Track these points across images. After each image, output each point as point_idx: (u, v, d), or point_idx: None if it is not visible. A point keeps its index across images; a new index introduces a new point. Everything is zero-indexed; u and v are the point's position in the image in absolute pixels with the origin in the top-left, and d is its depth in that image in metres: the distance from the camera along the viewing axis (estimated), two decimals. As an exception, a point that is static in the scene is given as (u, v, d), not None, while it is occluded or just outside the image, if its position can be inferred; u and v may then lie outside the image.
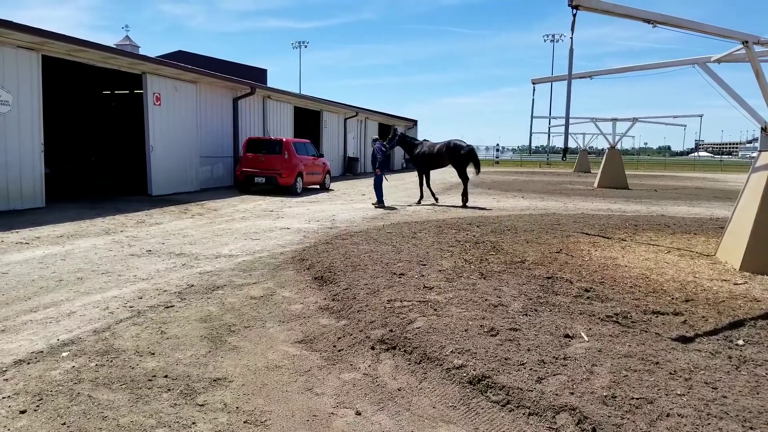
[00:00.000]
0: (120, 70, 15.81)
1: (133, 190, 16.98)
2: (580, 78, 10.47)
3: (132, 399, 3.60)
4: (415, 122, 46.06)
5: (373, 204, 15.17)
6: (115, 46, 22.48)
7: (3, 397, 3.58)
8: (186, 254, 8.17)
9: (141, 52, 32.61)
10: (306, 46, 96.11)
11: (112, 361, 4.21)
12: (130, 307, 5.58)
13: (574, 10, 6.85)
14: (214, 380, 3.95)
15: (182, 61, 24.11)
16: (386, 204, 15.37)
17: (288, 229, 10.81)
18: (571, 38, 7.50)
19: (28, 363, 4.13)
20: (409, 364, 4.30)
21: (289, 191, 18.21)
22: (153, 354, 4.37)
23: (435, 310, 5.29)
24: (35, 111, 12.75)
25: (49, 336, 4.70)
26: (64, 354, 4.31)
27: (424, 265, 7.09)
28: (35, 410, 3.42)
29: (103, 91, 24.09)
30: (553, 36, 75.85)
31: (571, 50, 7.64)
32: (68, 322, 5.06)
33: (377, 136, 17.69)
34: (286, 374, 4.13)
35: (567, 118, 7.94)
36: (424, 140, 16.97)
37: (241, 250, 8.60)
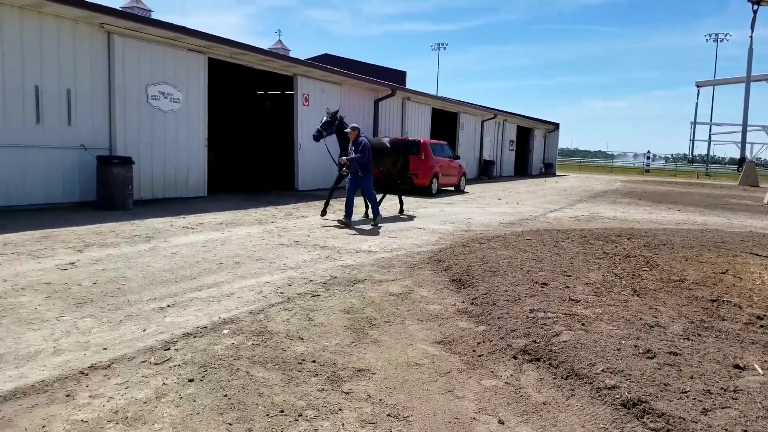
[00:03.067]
0: (274, 72, 16.93)
1: (282, 185, 18.11)
2: (760, 81, 9.40)
3: (284, 380, 3.81)
4: (556, 125, 44.35)
5: (340, 221, 10.84)
6: (269, 50, 24.14)
7: (173, 366, 3.96)
8: (329, 247, 8.52)
9: (291, 55, 34.74)
10: (445, 48, 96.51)
11: (266, 342, 4.49)
12: (281, 293, 5.92)
13: (756, 6, 6.14)
14: (358, 370, 4.06)
15: (327, 63, 25.30)
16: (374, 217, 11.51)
17: (424, 229, 10.88)
18: (751, 37, 6.77)
19: (194, 336, 4.53)
20: (555, 378, 4.10)
21: (424, 192, 18.37)
22: (302, 339, 4.59)
23: (582, 324, 5.01)
24: (201, 109, 14.07)
25: (212, 313, 5.12)
26: (225, 331, 4.68)
27: (569, 276, 6.76)
28: (201, 380, 3.74)
29: (257, 92, 25.99)
30: (717, 35, 69.18)
31: (751, 50, 6.92)
32: (228, 303, 5.49)
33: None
34: (426, 373, 4.14)
35: (744, 124, 7.16)
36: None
37: (379, 246, 8.80)
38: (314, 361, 4.15)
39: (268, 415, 3.32)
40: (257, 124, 25.90)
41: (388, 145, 13.01)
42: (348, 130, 10.94)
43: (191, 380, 3.72)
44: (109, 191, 11.01)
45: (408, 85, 34.66)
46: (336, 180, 12.11)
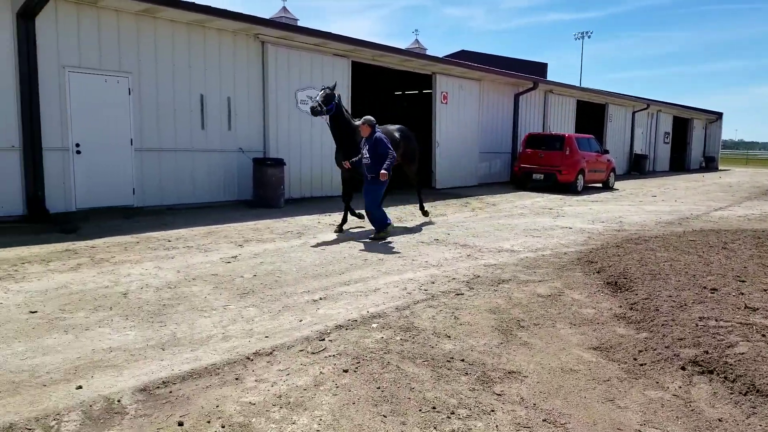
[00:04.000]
0: (412, 71, 17.12)
1: (422, 184, 18.24)
2: None
3: (434, 376, 3.80)
4: (719, 115, 40.12)
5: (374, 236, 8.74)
6: (407, 50, 24.49)
7: (328, 356, 4.12)
8: (470, 246, 8.42)
9: (427, 53, 35.00)
10: (589, 36, 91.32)
11: (414, 338, 4.52)
12: (425, 290, 5.95)
13: None
14: (509, 372, 3.94)
15: (464, 59, 25.08)
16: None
17: (570, 228, 10.37)
18: None
19: (346, 329, 4.69)
20: (732, 393, 3.67)
21: (568, 189, 17.53)
22: (449, 337, 4.56)
23: (763, 336, 4.44)
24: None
25: (360, 308, 5.27)
26: (374, 325, 4.79)
27: (743, 281, 6.04)
28: (355, 371, 3.85)
29: (394, 92, 26.49)
30: None
31: None
32: (374, 298, 5.62)
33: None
34: (582, 380, 3.91)
35: None
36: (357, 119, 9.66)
37: (522, 246, 8.52)
38: (463, 360, 4.10)
39: (420, 410, 3.33)
40: (395, 123, 26.43)
41: (398, 135, 10.43)
42: (358, 122, 8.94)
43: (346, 371, 3.85)
44: (264, 191, 11.84)
45: (549, 78, 33.34)
46: (347, 187, 9.77)
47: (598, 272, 6.76)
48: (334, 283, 6.11)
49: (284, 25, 13.55)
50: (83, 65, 9.83)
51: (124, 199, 10.50)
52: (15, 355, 3.99)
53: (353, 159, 8.80)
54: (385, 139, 8.60)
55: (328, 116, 8.92)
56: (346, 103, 14.60)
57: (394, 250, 7.96)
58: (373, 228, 8.97)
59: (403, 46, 37.93)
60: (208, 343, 4.31)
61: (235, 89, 12.20)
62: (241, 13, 11.43)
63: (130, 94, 10.48)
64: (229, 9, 11.31)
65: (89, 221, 9.27)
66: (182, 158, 11.41)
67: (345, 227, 9.55)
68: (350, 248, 7.99)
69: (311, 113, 8.76)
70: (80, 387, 3.53)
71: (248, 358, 4.03)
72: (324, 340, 4.42)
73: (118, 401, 3.36)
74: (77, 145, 9.81)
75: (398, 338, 4.50)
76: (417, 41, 40.47)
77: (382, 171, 8.35)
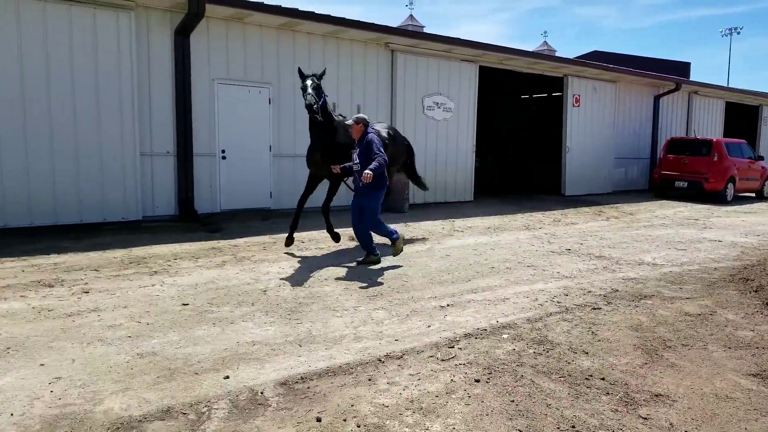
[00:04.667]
0: (542, 74, 16.57)
1: (547, 190, 17.65)
2: None
3: (572, 394, 3.61)
4: None
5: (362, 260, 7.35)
6: (536, 52, 23.78)
7: (459, 364, 4.06)
8: (605, 257, 7.95)
9: (557, 55, 33.74)
10: (738, 33, 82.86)
11: (548, 352, 4.33)
12: (557, 302, 5.69)
13: None
14: (655, 395, 3.64)
15: (597, 60, 23.85)
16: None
17: (719, 241, 9.44)
18: None
19: (475, 338, 4.60)
20: None
21: (715, 198, 16.01)
22: (586, 353, 4.32)
23: None
24: (471, 116, 14.50)
25: (489, 317, 5.16)
26: (504, 336, 4.66)
27: None
28: (487, 382, 3.77)
29: (521, 96, 25.83)
30: None
31: None
32: (503, 307, 5.47)
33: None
34: (741, 409, 3.51)
35: None
36: (340, 115, 8.29)
37: (665, 259, 7.89)
38: (603, 379, 3.85)
39: (558, 428, 3.17)
40: (521, 128, 25.75)
41: (385, 135, 8.44)
42: (350, 122, 7.32)
43: (477, 380, 3.77)
44: (390, 195, 12.02)
45: (692, 78, 30.74)
46: (328, 192, 8.28)
47: (755, 291, 6.07)
48: (460, 290, 6.04)
49: (414, 33, 13.74)
50: (230, 77, 10.64)
51: (262, 202, 11.20)
52: (170, 343, 4.37)
53: (345, 165, 7.32)
54: (377, 140, 7.09)
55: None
56: (473, 108, 14.48)
57: (522, 258, 7.72)
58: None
59: (530, 48, 36.91)
60: (341, 343, 4.44)
61: (365, 96, 12.55)
62: (373, 24, 11.75)
63: (270, 103, 11.17)
64: (361, 20, 11.67)
65: (231, 222, 9.98)
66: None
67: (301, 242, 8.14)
68: (476, 255, 7.87)
69: (308, 111, 7.20)
70: (227, 377, 3.78)
71: (379, 360, 4.09)
72: (453, 347, 4.37)
73: (262, 393, 3.55)
74: (223, 151, 10.63)
75: (531, 351, 4.34)
76: (546, 43, 39.14)
77: (367, 171, 6.66)
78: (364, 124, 7.17)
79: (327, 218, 8.21)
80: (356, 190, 7.20)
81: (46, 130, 8.75)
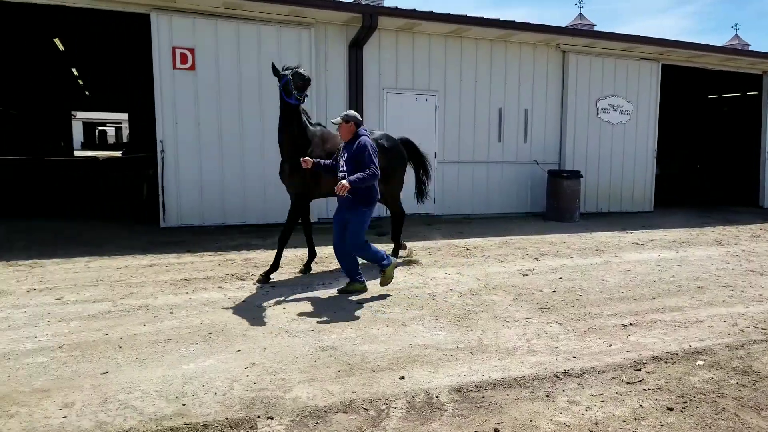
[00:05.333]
0: (737, 71, 14.78)
1: (740, 201, 15.70)
2: None
3: (791, 438, 3.12)
4: None
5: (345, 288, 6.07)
6: (729, 47, 21.28)
7: (647, 389, 3.72)
8: (822, 280, 6.82)
9: (751, 49, 29.87)
10: None
11: (754, 384, 3.80)
12: (762, 329, 4.99)
13: None
14: None
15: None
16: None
17: None
18: None
19: (665, 362, 4.19)
20: None
21: None
22: (806, 391, 3.71)
23: None
24: (651, 119, 13.37)
25: (680, 340, 4.67)
26: (700, 362, 4.19)
27: None
28: (681, 411, 3.40)
29: (709, 96, 23.27)
30: None
31: None
32: (696, 331, 4.93)
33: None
34: None
35: None
36: (318, 124, 7.05)
37: None
38: (832, 424, 3.28)
39: (777, 476, 2.76)
40: (711, 131, 23.20)
41: (384, 144, 7.26)
42: (337, 120, 5.97)
43: (670, 409, 3.42)
44: (558, 203, 11.54)
45: None
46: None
47: None
48: (644, 309, 5.56)
49: (588, 32, 13.05)
50: (399, 86, 10.98)
51: (426, 208, 11.33)
52: (348, 339, 4.58)
53: (318, 161, 5.95)
54: (372, 145, 5.75)
55: (289, 109, 6.38)
56: (654, 110, 13.37)
57: (716, 278, 6.91)
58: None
59: (720, 43, 33.30)
60: (514, 355, 4.31)
61: (533, 101, 12.19)
62: (543, 25, 11.39)
63: (436, 110, 11.32)
64: (531, 22, 11.34)
65: (398, 226, 10.23)
66: (478, 170, 11.85)
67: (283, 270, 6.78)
68: (660, 271, 7.21)
69: (288, 100, 6.29)
70: (403, 377, 3.86)
71: (557, 377, 3.89)
72: (640, 370, 4.02)
73: (437, 397, 3.56)
74: (391, 157, 10.99)
75: (733, 382, 3.84)
76: (737, 36, 35.04)
77: (343, 182, 5.43)
78: (356, 123, 5.83)
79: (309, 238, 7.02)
80: (340, 201, 5.86)
81: (257, 134, 9.77)
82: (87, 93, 30.73)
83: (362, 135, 5.77)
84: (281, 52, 9.86)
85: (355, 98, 10.48)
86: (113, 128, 55.78)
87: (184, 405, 3.40)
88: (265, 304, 5.50)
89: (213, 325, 4.86)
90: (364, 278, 6.04)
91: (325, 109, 10.40)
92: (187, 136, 9.40)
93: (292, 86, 6.20)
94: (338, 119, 5.86)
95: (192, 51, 9.28)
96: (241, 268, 6.93)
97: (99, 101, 35.86)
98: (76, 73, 22.56)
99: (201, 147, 9.53)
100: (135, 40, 13.75)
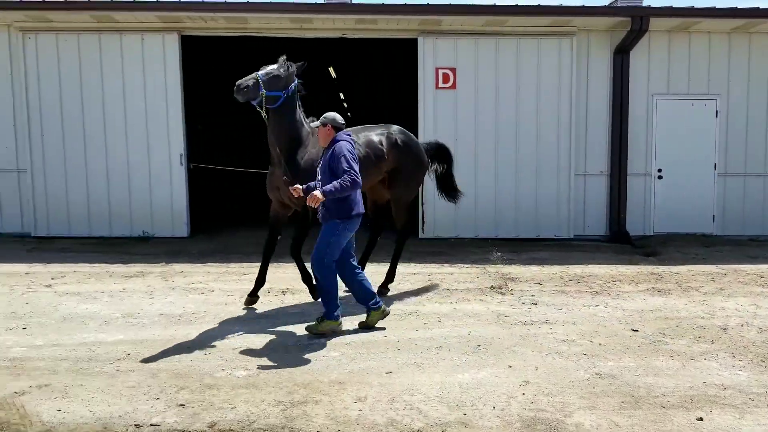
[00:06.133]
0: None
1: None
2: None
3: None
4: None
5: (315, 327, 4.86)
6: None
7: None
8: None
9: None
10: None
11: None
12: None
13: None
14: None
15: None
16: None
17: None
18: None
19: None
20: None
21: None
22: None
23: None
24: None
25: None
26: None
27: None
28: None
29: None
30: None
31: None
32: None
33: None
34: None
35: None
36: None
37: None
38: None
39: None
40: None
41: (380, 141, 6.06)
42: (316, 123, 5.18)
43: None
44: None
45: None
46: (297, 228, 5.77)
47: None
48: None
49: None
50: (671, 91, 9.92)
51: (703, 226, 10.02)
52: (627, 369, 4.20)
53: (307, 184, 5.04)
54: (349, 149, 4.92)
55: (265, 109, 5.32)
56: None
57: None
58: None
59: None
60: None
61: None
62: None
63: (716, 116, 9.95)
64: None
65: (667, 246, 9.21)
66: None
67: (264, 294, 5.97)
68: None
69: (240, 94, 5.15)
70: (701, 419, 3.39)
71: None
72: None
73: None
74: (659, 170, 9.97)
75: None
76: None
77: (315, 192, 4.69)
78: (334, 126, 5.05)
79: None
80: (321, 218, 5.04)
81: (510, 148, 9.84)
82: (348, 115, 34.47)
83: (340, 140, 4.99)
84: (540, 63, 9.72)
85: (620, 106, 9.77)
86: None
87: (464, 414, 3.46)
88: (529, 320, 5.38)
89: (480, 337, 4.91)
90: (339, 313, 4.96)
91: (585, 120, 9.90)
92: (445, 151, 9.79)
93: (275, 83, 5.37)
94: (316, 123, 5.19)
95: (453, 70, 9.67)
96: (498, 282, 6.93)
97: (358, 123, 39.84)
98: (342, 97, 25.39)
99: (457, 162, 9.82)
100: (394, 64, 14.96)
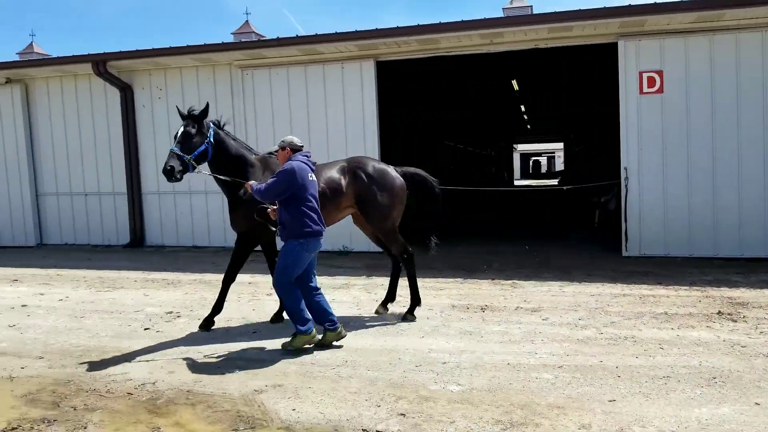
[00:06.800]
0: None
1: None
2: None
3: None
4: None
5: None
6: None
7: None
8: None
9: None
10: None
11: None
12: None
13: None
14: None
15: None
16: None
17: None
18: None
19: None
20: None
21: None
22: None
23: None
24: None
25: None
26: None
27: None
28: None
29: None
30: None
31: None
32: None
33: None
34: None
35: None
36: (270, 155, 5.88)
37: None
38: None
39: None
40: None
41: (334, 173, 5.86)
42: (275, 148, 5.39)
43: None
44: None
45: None
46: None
47: None
48: None
49: None
50: None
51: None
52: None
53: (263, 206, 5.28)
54: (288, 171, 4.96)
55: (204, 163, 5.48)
56: None
57: None
58: None
59: None
60: None
61: None
62: None
63: None
64: None
65: None
66: None
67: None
68: None
69: (168, 177, 5.19)
70: None
71: None
72: None
73: None
74: None
75: None
76: None
77: (250, 182, 5.30)
78: (291, 148, 5.20)
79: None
80: (280, 236, 5.16)
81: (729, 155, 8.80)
82: (528, 127, 33.55)
83: (292, 161, 5.10)
84: (765, 59, 8.50)
85: None
86: (545, 158, 59.20)
87: (713, 456, 3.05)
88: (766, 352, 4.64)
89: (714, 369, 4.35)
90: (312, 327, 5.05)
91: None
92: (652, 162, 8.98)
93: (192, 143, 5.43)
94: (275, 147, 5.39)
95: (660, 73, 8.87)
96: (726, 307, 6.10)
97: (537, 133, 38.78)
98: (523, 109, 24.81)
99: (666, 173, 8.96)
100: (580, 71, 14.23)
